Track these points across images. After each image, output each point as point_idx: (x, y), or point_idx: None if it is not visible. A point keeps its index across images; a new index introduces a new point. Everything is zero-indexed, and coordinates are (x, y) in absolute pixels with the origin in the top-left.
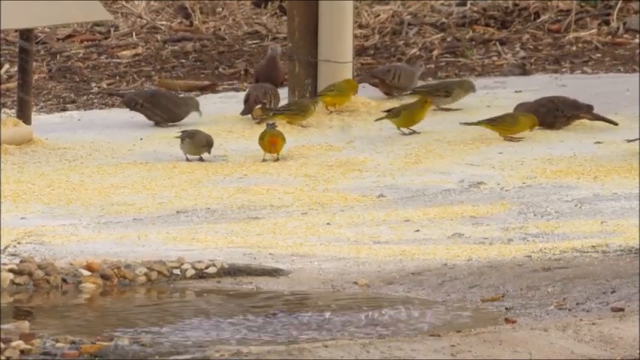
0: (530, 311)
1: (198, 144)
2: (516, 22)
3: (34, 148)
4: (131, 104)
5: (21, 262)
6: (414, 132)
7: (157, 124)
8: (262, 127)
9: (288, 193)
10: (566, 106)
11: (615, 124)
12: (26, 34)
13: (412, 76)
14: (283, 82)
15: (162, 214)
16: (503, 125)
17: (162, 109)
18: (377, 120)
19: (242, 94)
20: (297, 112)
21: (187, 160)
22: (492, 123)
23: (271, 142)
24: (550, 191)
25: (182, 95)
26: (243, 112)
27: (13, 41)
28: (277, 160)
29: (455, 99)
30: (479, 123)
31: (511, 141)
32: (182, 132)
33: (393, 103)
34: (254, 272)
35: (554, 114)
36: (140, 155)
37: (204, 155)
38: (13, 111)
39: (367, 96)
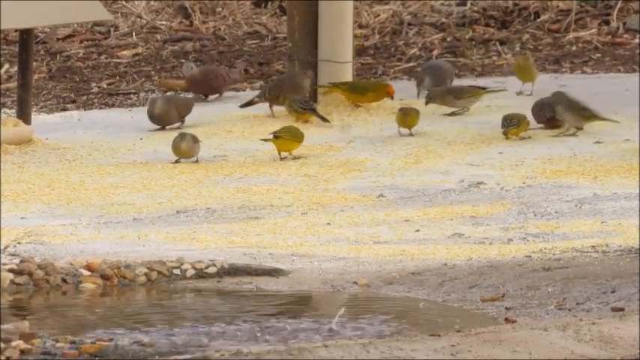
0: (530, 311)
1: (182, 146)
2: (516, 22)
3: (34, 148)
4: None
5: (21, 262)
6: (411, 134)
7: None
8: (261, 126)
9: (288, 193)
10: (547, 107)
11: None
12: (26, 34)
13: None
14: (222, 93)
15: (162, 214)
16: (525, 125)
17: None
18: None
19: (242, 94)
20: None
21: (176, 162)
22: (517, 126)
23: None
24: (550, 191)
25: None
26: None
27: (13, 41)
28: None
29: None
30: (510, 131)
31: (522, 139)
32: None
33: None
34: (254, 272)
35: (539, 114)
36: (140, 155)
37: (199, 154)
38: (13, 111)
39: None
